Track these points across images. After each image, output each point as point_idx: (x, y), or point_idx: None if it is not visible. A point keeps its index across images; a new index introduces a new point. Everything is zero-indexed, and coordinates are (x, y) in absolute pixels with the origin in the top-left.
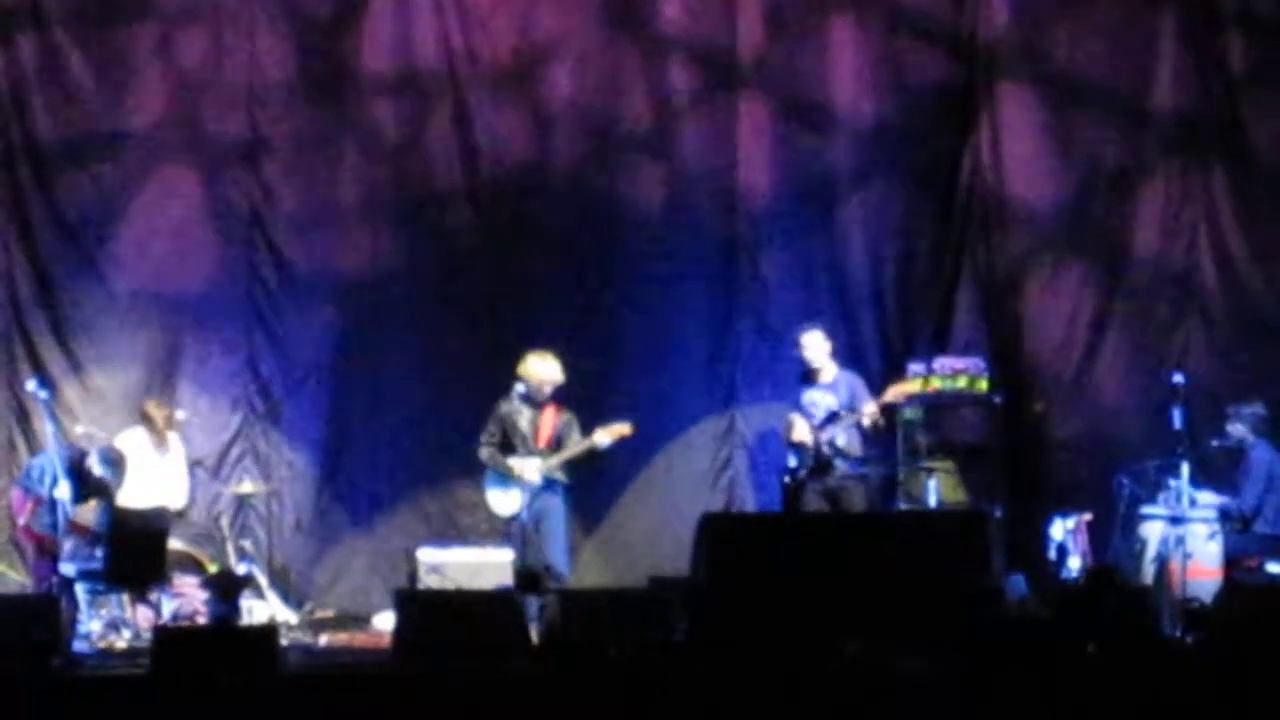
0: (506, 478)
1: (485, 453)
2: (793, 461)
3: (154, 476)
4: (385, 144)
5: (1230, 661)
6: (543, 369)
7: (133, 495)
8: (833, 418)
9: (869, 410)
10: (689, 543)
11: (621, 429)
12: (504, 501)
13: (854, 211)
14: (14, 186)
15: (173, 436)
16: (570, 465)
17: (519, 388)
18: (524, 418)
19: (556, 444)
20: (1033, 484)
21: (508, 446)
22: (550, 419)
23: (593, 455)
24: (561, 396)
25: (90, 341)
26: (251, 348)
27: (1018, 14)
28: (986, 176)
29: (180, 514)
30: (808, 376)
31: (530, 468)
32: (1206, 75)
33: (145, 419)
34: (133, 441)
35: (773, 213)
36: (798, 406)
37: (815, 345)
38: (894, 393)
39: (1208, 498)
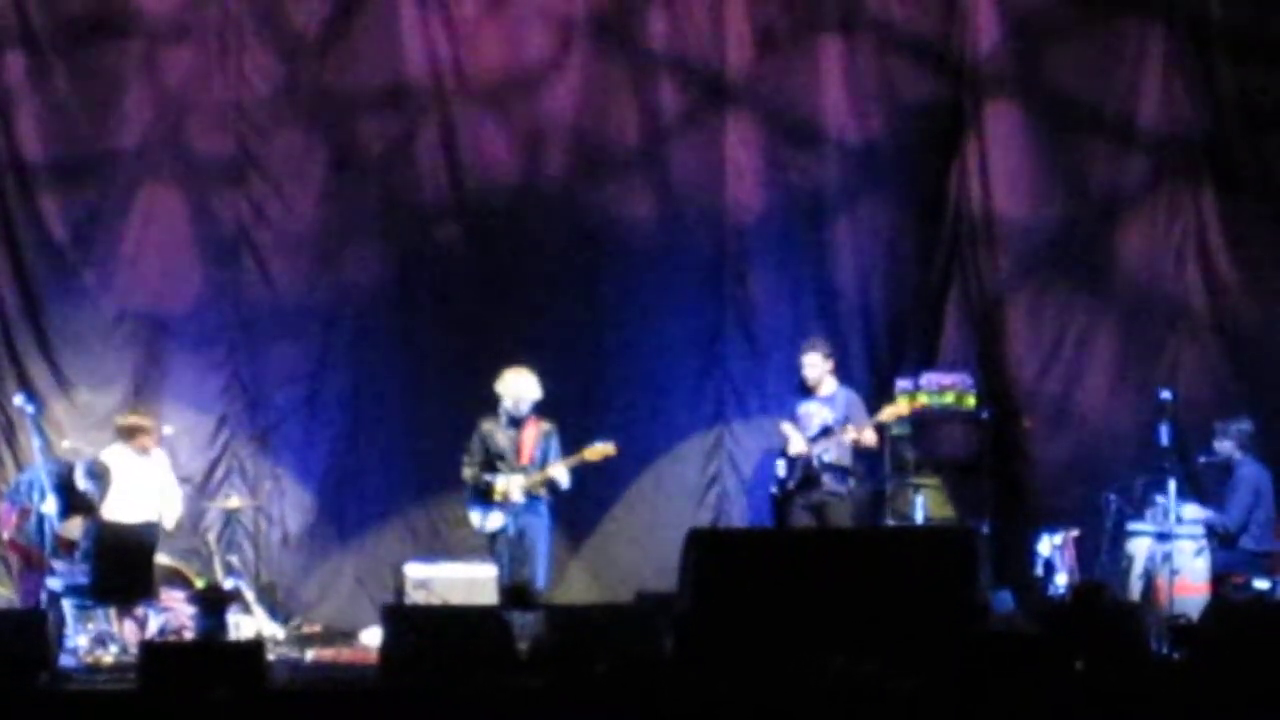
0: (487, 497)
1: (468, 473)
2: (783, 472)
3: (139, 490)
4: (373, 161)
5: (1217, 678)
6: (520, 385)
7: (119, 509)
8: (826, 432)
9: (866, 436)
10: (676, 558)
11: (605, 449)
12: (487, 519)
13: (842, 229)
14: (2, 202)
15: (157, 451)
16: (553, 482)
17: (502, 404)
18: (505, 435)
19: (541, 457)
20: (1020, 500)
21: (490, 465)
22: (531, 434)
23: (553, 484)
24: (547, 411)
25: (77, 358)
26: (239, 365)
27: (1007, 34)
28: (975, 195)
29: (172, 532)
30: (805, 389)
31: (514, 486)
32: (1194, 95)
33: (121, 432)
34: (116, 457)
35: (761, 230)
36: (792, 417)
37: (816, 365)
38: (888, 414)
39: (1194, 513)
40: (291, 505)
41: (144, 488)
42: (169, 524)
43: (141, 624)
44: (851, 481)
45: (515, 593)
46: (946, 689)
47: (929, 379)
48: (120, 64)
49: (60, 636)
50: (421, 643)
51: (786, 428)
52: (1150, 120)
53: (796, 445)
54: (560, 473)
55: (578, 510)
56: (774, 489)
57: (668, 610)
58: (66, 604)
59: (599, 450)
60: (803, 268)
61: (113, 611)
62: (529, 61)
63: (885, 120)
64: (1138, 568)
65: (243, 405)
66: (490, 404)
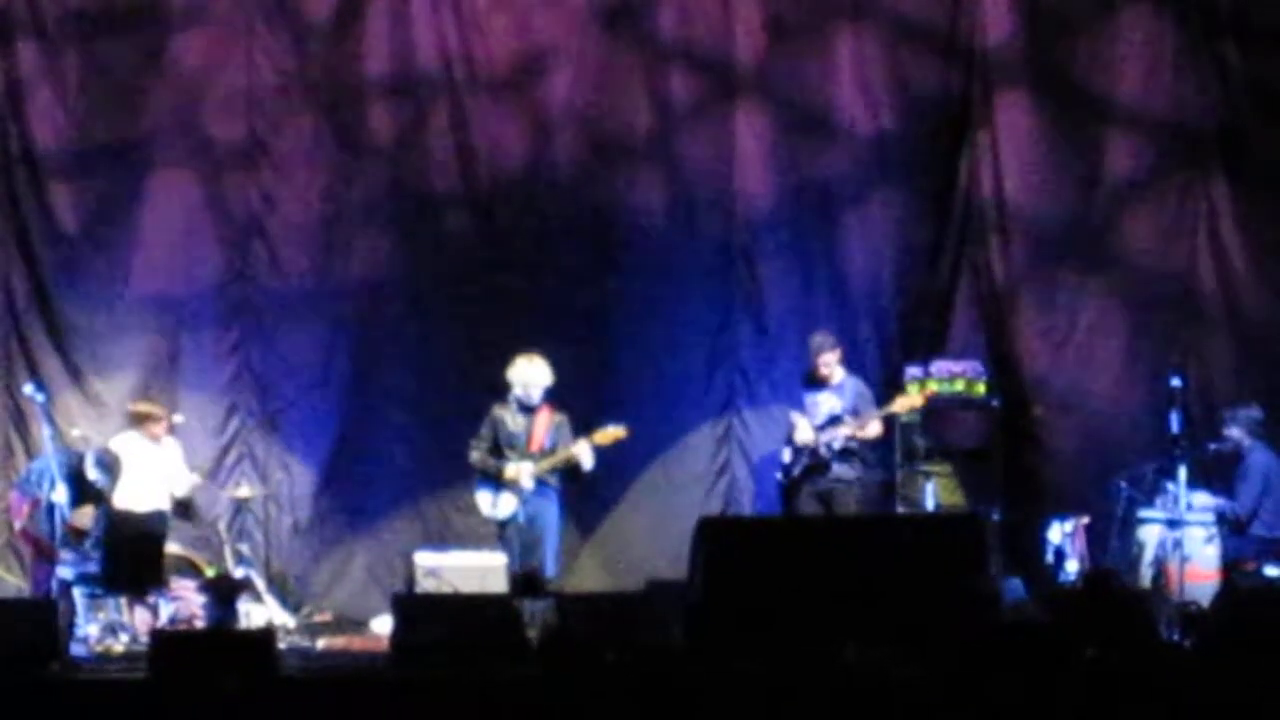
0: (497, 482)
1: (475, 456)
2: (788, 459)
3: (150, 478)
4: (384, 149)
5: (1228, 664)
6: (531, 371)
7: (130, 498)
8: (834, 421)
9: (872, 429)
10: (686, 546)
11: (616, 432)
12: (497, 505)
13: (852, 218)
14: (11, 192)
15: (169, 440)
16: (563, 469)
17: (513, 391)
18: (516, 422)
19: (551, 447)
20: (1030, 487)
21: (499, 452)
22: (543, 422)
23: (575, 467)
24: (558, 399)
25: (88, 346)
26: (249, 353)
27: (1017, 23)
28: (985, 184)
29: (186, 504)
30: (813, 378)
31: (524, 472)
32: (1206, 83)
33: (134, 419)
34: (128, 444)
35: (771, 219)
36: (800, 405)
37: (831, 363)
38: (901, 404)
39: (1205, 500)
40: (301, 493)
41: (155, 476)
42: (180, 492)
43: (152, 613)
44: (860, 469)
45: (525, 581)
46: (957, 676)
47: (939, 367)
48: (131, 53)
49: (71, 625)
50: (431, 631)
51: (795, 416)
52: (1161, 109)
53: (804, 433)
54: (583, 451)
55: (588, 498)
56: (779, 476)
57: (678, 598)
58: (77, 593)
59: (610, 433)
60: (812, 257)
61: (123, 600)
62: (539, 50)
63: (895, 110)
64: (1148, 555)
65: (253, 393)
66: (500, 392)
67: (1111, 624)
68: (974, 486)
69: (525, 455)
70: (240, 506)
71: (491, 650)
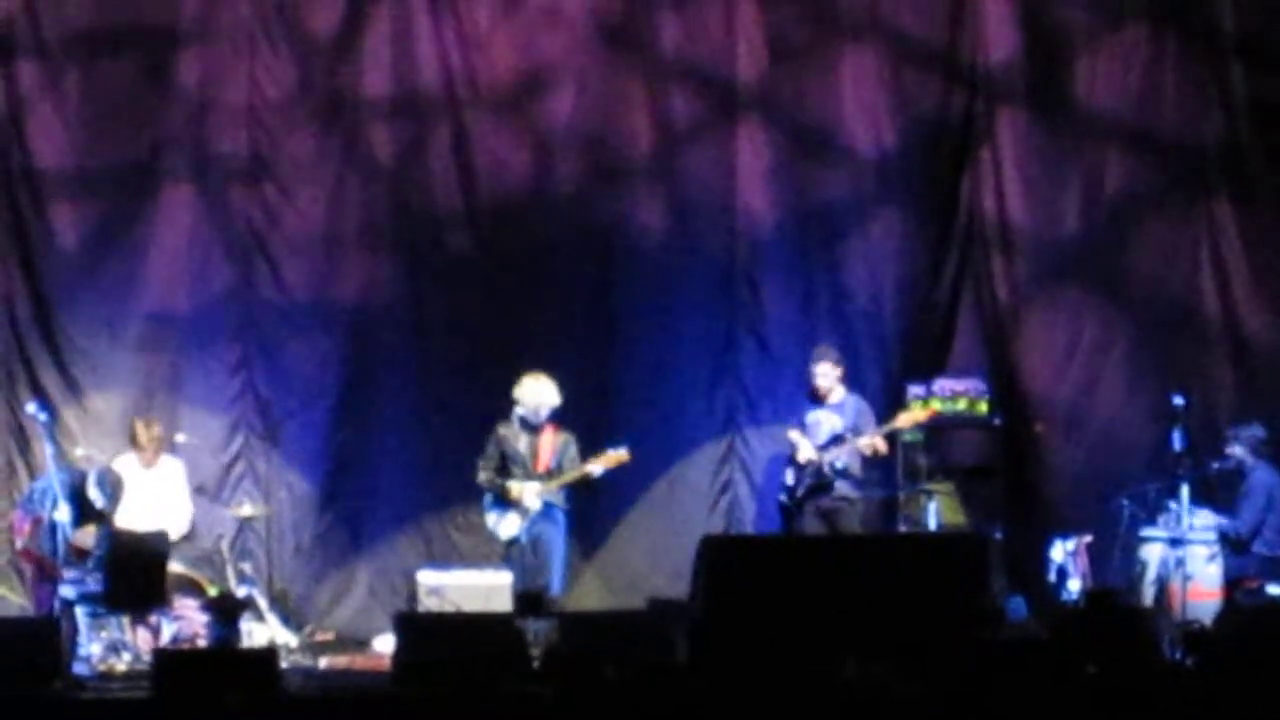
0: (505, 501)
1: (483, 476)
2: (791, 480)
3: (146, 498)
4: (385, 167)
5: (1230, 683)
6: (538, 391)
7: (132, 517)
8: (837, 440)
9: (872, 442)
10: (689, 565)
11: (619, 456)
12: (503, 524)
13: (854, 236)
14: (14, 210)
15: (167, 459)
16: (568, 489)
17: (517, 411)
18: (522, 441)
19: (556, 466)
20: (1033, 506)
21: (505, 471)
22: (549, 442)
23: (588, 482)
24: (560, 418)
25: (89, 364)
26: (251, 370)
27: (1019, 42)
28: (987, 203)
29: (182, 539)
30: (815, 396)
31: (529, 492)
32: (1208, 101)
33: (131, 439)
34: (130, 464)
35: (773, 238)
36: (800, 425)
37: (827, 374)
38: (904, 420)
39: (1207, 519)
40: (304, 512)
41: (156, 496)
42: (173, 535)
43: (155, 632)
44: (863, 488)
45: (529, 599)
46: (959, 694)
47: (941, 385)
48: (133, 71)
49: (74, 644)
50: (434, 649)
51: (794, 435)
52: (1163, 128)
53: (805, 452)
54: (596, 469)
55: (590, 517)
56: (782, 497)
57: (681, 616)
58: (80, 612)
59: (612, 457)
60: (814, 275)
61: (126, 619)
62: (541, 68)
63: (897, 128)
64: (1150, 573)
65: (255, 411)
66: (503, 410)
67: (1114, 642)
68: (976, 505)
69: (531, 474)
70: (243, 525)
71: (494, 669)
